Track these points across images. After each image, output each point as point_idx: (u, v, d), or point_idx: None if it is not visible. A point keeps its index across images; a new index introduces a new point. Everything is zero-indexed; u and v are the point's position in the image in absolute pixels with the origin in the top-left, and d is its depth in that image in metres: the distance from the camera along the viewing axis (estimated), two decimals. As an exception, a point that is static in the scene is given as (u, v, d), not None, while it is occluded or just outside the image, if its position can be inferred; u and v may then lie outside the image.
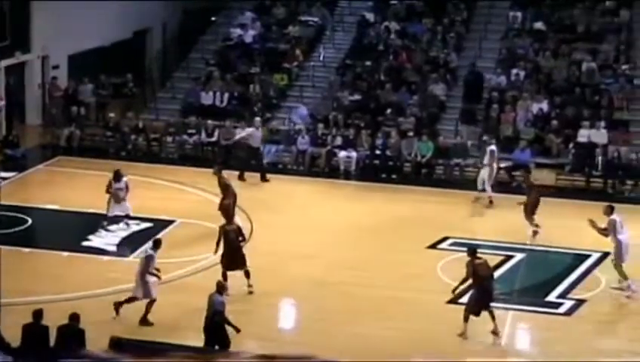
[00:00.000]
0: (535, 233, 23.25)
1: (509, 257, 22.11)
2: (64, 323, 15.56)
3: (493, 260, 20.15)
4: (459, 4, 34.74)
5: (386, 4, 35.05)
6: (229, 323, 16.86)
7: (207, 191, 25.32)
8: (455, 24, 34.08)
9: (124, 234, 22.88)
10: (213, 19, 36.43)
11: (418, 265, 21.62)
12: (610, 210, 20.40)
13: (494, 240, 23.02)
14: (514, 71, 31.51)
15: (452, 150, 29.00)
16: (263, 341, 17.15)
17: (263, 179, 27.53)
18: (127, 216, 23.05)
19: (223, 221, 21.72)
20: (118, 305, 18.52)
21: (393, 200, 26.22)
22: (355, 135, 29.40)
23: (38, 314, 15.54)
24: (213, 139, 29.75)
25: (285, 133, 29.98)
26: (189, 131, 30.14)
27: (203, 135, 29.92)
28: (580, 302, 20.00)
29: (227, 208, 22.40)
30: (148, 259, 18.41)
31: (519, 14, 33.96)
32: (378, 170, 28.60)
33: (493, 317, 18.21)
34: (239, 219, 22.67)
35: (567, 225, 23.76)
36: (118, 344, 15.04)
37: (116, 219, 23.05)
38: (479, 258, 18.38)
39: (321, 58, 33.70)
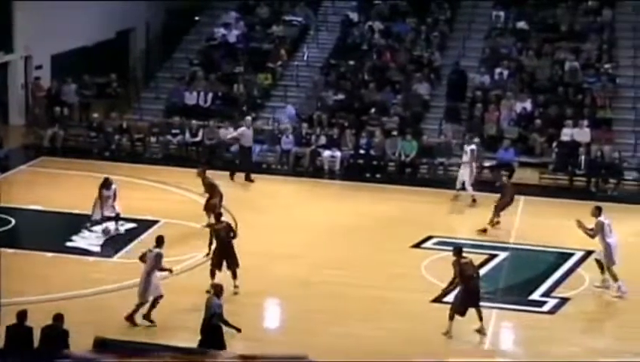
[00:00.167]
0: (485, 230, 23.44)
1: (493, 256, 22.17)
2: (48, 324, 15.49)
3: (477, 259, 20.19)
4: (442, 3, 34.87)
5: (370, 4, 35.11)
6: (229, 324, 16.80)
7: (191, 191, 25.30)
8: (439, 23, 34.17)
9: (109, 236, 22.82)
10: (196, 18, 36.43)
11: (402, 264, 21.64)
12: (598, 212, 20.32)
13: (478, 239, 23.13)
14: (497, 70, 31.63)
15: (436, 149, 29.07)
16: (248, 341, 17.11)
17: (248, 179, 27.52)
18: (117, 216, 22.94)
19: (207, 221, 21.71)
20: (130, 317, 18.21)
21: (377, 200, 26.26)
22: (339, 134, 29.42)
23: (22, 315, 15.45)
24: (198, 139, 29.74)
25: (269, 133, 29.97)
26: (173, 131, 30.12)
27: (187, 135, 29.89)
28: (564, 301, 20.06)
29: (214, 207, 22.35)
30: (158, 257, 18.34)
31: (502, 14, 34.11)
32: (362, 170, 28.64)
33: (480, 317, 18.23)
34: (225, 219, 22.60)
35: (551, 224, 23.91)
36: (102, 344, 14.99)
37: (105, 220, 22.94)
38: (464, 257, 18.39)
39: (305, 58, 33.74)
